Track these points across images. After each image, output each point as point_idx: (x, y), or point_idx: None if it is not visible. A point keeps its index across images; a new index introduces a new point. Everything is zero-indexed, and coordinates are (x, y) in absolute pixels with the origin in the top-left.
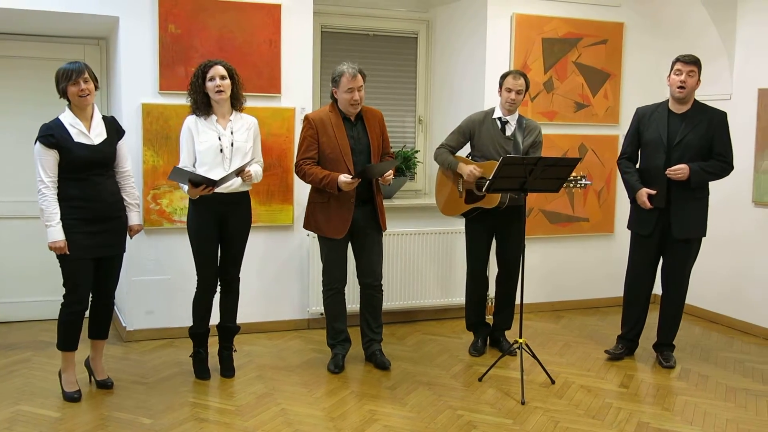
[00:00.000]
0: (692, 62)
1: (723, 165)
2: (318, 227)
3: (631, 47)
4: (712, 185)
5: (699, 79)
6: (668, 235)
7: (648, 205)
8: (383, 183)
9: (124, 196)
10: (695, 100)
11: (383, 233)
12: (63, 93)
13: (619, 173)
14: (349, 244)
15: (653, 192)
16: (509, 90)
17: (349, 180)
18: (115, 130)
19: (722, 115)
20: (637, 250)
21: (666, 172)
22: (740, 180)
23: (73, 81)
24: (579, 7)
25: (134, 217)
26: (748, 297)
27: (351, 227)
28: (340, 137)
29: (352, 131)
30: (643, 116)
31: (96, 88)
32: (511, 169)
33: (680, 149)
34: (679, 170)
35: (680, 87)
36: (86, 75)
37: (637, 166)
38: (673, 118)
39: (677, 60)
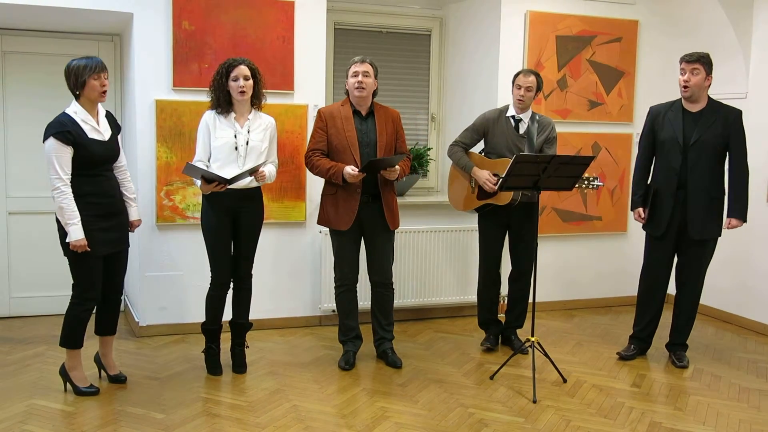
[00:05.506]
0: (695, 60)
1: (744, 174)
2: (328, 220)
3: (645, 45)
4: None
5: (708, 76)
6: (684, 236)
7: (641, 220)
8: (388, 177)
9: (123, 191)
10: (709, 98)
11: (395, 231)
12: (82, 86)
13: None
14: (362, 243)
15: (643, 215)
16: (519, 87)
17: (355, 173)
18: (115, 125)
19: (737, 114)
20: (652, 249)
21: (725, 227)
22: (755, 179)
23: (96, 74)
24: (593, 4)
25: (134, 212)
26: (763, 297)
27: (360, 224)
28: (348, 129)
29: (362, 125)
30: (657, 115)
31: None
32: (525, 167)
33: (696, 149)
34: (734, 226)
35: (684, 86)
36: (107, 71)
37: (653, 163)
38: (688, 116)
39: (681, 59)
